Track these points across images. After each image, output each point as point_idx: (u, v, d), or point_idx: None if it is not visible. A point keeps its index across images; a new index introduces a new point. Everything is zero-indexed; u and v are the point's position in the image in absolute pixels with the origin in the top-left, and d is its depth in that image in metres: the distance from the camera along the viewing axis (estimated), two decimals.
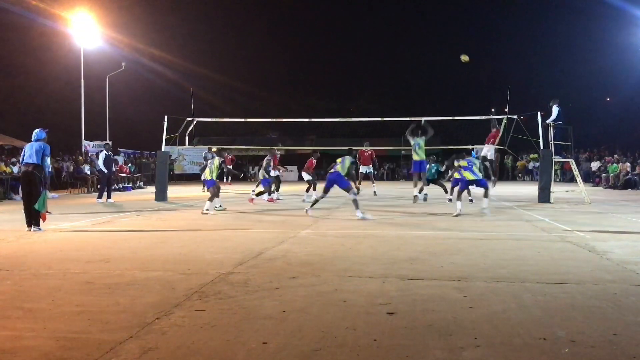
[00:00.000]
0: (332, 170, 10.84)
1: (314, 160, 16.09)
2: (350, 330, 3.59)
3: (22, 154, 9.17)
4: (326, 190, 11.02)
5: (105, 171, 15.72)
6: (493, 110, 16.88)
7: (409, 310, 4.06)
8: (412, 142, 14.29)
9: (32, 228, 8.65)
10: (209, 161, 13.29)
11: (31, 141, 9.00)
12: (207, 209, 11.60)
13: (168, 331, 3.59)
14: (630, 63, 32.45)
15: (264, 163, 15.29)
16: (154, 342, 3.38)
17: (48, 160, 8.93)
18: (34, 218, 8.69)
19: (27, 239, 7.84)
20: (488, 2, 51.00)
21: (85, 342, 3.37)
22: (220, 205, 12.47)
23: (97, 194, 16.36)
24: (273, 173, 15.34)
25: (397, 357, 3.13)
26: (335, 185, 10.69)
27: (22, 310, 4.09)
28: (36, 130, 9.08)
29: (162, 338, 3.45)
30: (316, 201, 11.30)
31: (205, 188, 13.54)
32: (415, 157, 14.39)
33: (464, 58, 16.45)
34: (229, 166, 22.37)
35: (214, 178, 12.33)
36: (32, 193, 8.74)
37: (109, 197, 15.64)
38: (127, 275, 5.30)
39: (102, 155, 16.09)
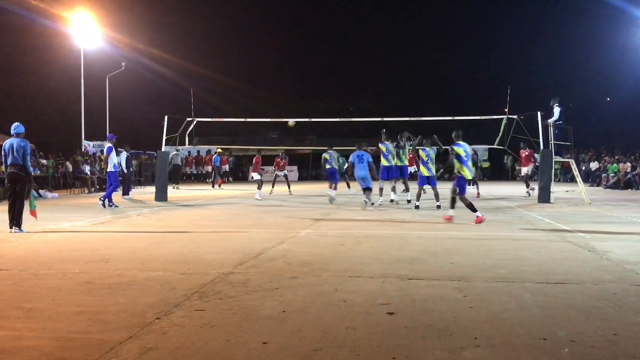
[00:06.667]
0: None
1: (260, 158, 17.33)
2: (350, 330, 3.59)
3: (2, 152, 8.89)
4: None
5: (125, 171, 16.85)
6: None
7: (409, 310, 4.06)
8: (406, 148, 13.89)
9: (14, 229, 8.44)
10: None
11: (11, 135, 8.81)
12: None
13: (168, 331, 3.59)
14: (630, 63, 32.42)
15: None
16: (154, 342, 3.38)
17: (29, 160, 8.75)
18: (16, 219, 8.49)
19: (27, 239, 7.83)
20: (488, 2, 50.95)
21: (85, 342, 3.37)
22: None
23: (99, 194, 16.68)
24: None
25: (397, 357, 3.13)
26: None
27: (22, 310, 4.09)
28: (16, 124, 8.81)
29: (162, 338, 3.45)
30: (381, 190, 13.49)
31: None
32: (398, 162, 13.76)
33: (291, 124, 18.67)
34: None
35: None
36: (16, 192, 8.58)
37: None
38: (127, 275, 5.30)
39: (123, 156, 16.97)
